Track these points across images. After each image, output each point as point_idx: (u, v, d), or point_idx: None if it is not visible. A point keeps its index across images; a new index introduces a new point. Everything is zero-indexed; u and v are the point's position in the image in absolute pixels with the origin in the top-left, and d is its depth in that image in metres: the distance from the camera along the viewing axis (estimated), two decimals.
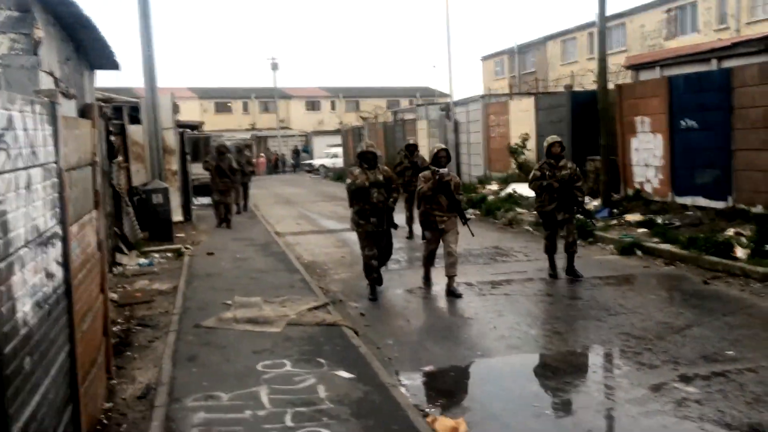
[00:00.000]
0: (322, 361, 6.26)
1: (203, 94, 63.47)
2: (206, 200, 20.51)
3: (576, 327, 7.58)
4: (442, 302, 8.91)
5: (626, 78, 19.46)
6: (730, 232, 11.03)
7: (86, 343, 4.82)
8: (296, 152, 57.64)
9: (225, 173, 16.63)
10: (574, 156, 17.66)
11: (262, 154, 53.59)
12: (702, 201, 13.20)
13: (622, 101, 15.49)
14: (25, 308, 3.36)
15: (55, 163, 4.17)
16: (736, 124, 12.28)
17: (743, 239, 10.48)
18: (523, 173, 21.28)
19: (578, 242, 10.23)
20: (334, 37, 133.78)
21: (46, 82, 6.76)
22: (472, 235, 9.79)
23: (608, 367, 6.54)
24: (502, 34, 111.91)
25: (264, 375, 5.94)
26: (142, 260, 11.94)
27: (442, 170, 8.91)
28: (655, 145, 14.51)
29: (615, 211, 14.40)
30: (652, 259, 10.97)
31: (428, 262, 9.49)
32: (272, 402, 5.33)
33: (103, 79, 19.20)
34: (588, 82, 24.69)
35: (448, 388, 6.11)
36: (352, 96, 67.67)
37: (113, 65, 11.23)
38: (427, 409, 5.42)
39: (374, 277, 9.17)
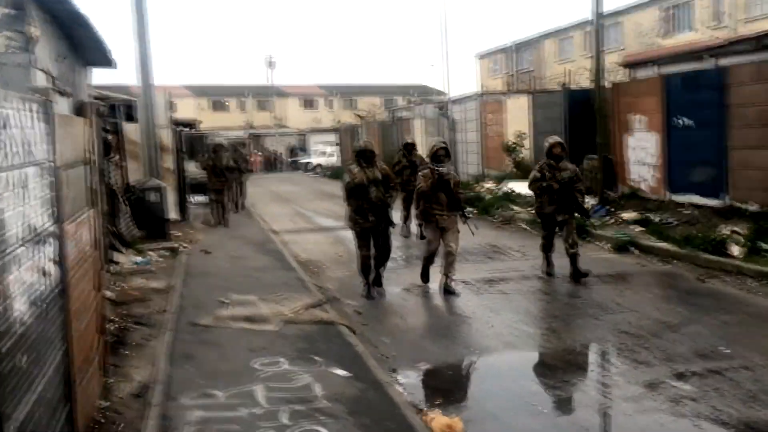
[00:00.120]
0: (318, 359, 6.26)
1: (199, 91, 63.32)
2: (202, 198, 20.46)
3: (572, 325, 7.60)
4: (438, 300, 8.92)
5: (622, 76, 19.49)
6: (726, 230, 11.05)
7: (82, 341, 4.80)
8: (292, 150, 57.63)
9: (220, 172, 16.55)
10: (570, 154, 17.69)
11: (259, 152, 53.60)
12: (697, 199, 13.23)
13: (618, 99, 15.52)
14: (20, 307, 3.35)
15: (51, 161, 4.15)
16: (732, 122, 12.31)
17: (739, 237, 10.50)
18: (519, 171, 21.31)
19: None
20: (331, 34, 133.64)
21: (41, 80, 6.74)
22: (473, 233, 9.42)
23: (604, 365, 6.55)
24: (499, 32, 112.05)
25: (260, 373, 5.94)
26: (138, 258, 11.91)
27: (441, 168, 8.82)
28: (651, 143, 14.54)
29: (611, 209, 14.42)
30: (648, 257, 11.00)
31: (428, 261, 9.37)
32: (268, 400, 5.33)
33: (99, 76, 19.14)
34: (584, 80, 24.71)
35: (444, 386, 6.11)
36: (349, 94, 67.61)
37: (108, 63, 11.20)
38: (423, 407, 5.42)
39: (375, 277, 9.10)
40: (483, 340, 7.16)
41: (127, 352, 6.85)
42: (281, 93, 64.34)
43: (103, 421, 5.19)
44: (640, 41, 34.28)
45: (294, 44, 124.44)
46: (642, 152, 14.87)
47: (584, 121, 16.60)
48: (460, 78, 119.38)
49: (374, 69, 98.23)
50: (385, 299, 9.00)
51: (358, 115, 47.42)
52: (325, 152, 50.33)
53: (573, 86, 24.61)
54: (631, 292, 8.91)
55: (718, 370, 5.92)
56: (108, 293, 8.81)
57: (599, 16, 15.31)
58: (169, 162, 16.71)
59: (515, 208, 16.67)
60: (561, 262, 9.96)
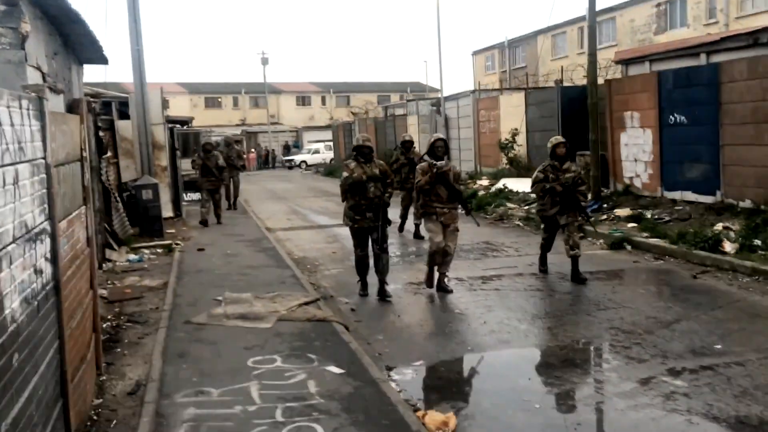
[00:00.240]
0: (313, 356, 6.26)
1: (193, 89, 63.21)
2: (196, 196, 20.40)
3: (566, 322, 7.62)
4: (432, 297, 8.92)
5: (616, 73, 19.52)
6: (719, 226, 11.10)
7: (75, 339, 4.80)
8: (287, 147, 57.59)
9: (212, 171, 16.31)
10: None
11: (253, 150, 53.55)
12: (691, 196, 13.28)
13: (612, 96, 15.55)
14: (13, 305, 3.34)
15: (43, 158, 4.14)
16: (725, 119, 12.35)
17: (732, 234, 10.55)
18: (513, 168, 21.35)
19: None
20: (325, 31, 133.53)
21: (33, 77, 6.71)
22: (478, 224, 9.72)
23: (598, 362, 6.57)
24: (493, 29, 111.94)
25: (254, 371, 5.94)
26: (132, 256, 11.89)
27: (439, 162, 8.65)
28: (645, 140, 14.58)
29: (605, 206, 14.47)
30: (642, 253, 11.03)
31: (433, 260, 8.87)
32: (262, 397, 5.33)
33: (92, 73, 19.08)
34: (578, 77, 24.75)
35: (438, 382, 6.12)
36: (343, 91, 67.58)
37: (102, 60, 11.15)
38: (417, 404, 5.43)
39: (379, 289, 8.75)
40: (477, 337, 7.17)
41: (121, 350, 6.85)
42: (275, 90, 64.25)
43: (96, 418, 5.18)
44: (633, 37, 34.36)
45: (288, 41, 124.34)
46: (635, 149, 14.91)
47: (578, 118, 16.65)
48: (455, 75, 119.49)
49: (369, 66, 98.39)
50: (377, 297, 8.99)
51: (353, 112, 47.41)
52: (317, 150, 50.46)
53: (567, 83, 24.69)
54: (624, 289, 8.94)
55: (711, 366, 5.95)
56: (102, 291, 8.80)
57: (593, 14, 15.33)
58: (163, 159, 16.65)
59: (509, 205, 16.70)
60: (558, 259, 9.98)
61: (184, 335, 7.13)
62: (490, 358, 6.61)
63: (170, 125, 18.65)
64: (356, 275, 9.16)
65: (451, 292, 8.87)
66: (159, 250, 12.64)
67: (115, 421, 5.15)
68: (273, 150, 56.26)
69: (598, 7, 16.11)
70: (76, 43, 9.63)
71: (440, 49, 35.05)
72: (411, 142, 13.80)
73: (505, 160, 22.09)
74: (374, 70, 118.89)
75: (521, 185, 18.63)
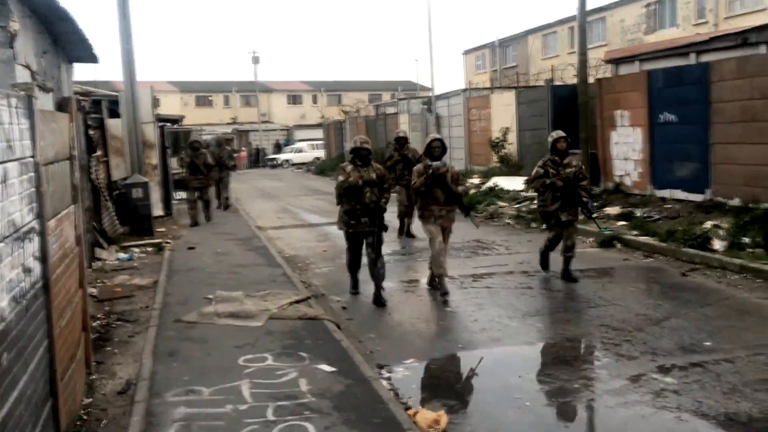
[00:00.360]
0: (304, 354, 6.26)
1: (183, 87, 62.96)
2: (186, 195, 20.29)
3: (556, 319, 7.64)
4: (423, 295, 8.93)
5: (606, 72, 19.60)
6: (708, 224, 11.16)
7: (65, 338, 4.78)
8: (278, 146, 57.49)
9: (200, 169, 16.09)
10: None
11: (244, 148, 53.46)
12: (680, 194, 13.34)
13: (602, 95, 15.60)
14: (2, 303, 3.32)
15: (32, 157, 4.12)
16: (714, 117, 12.42)
17: (721, 232, 10.60)
18: (504, 167, 21.40)
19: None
20: (316, 30, 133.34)
21: (22, 76, 6.67)
22: (477, 226, 9.57)
23: (588, 359, 6.59)
24: (484, 28, 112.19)
25: (245, 369, 5.93)
26: (122, 255, 11.85)
27: (435, 163, 8.29)
28: (635, 138, 14.64)
29: (595, 204, 14.51)
30: (632, 251, 11.08)
31: (437, 263, 8.51)
32: (254, 396, 5.33)
33: (82, 72, 19.01)
34: (568, 76, 24.82)
35: (429, 380, 6.13)
36: (334, 90, 67.48)
37: (91, 58, 11.09)
38: (409, 402, 5.44)
39: (375, 296, 8.50)
40: (468, 334, 7.19)
41: (110, 349, 6.82)
42: (266, 89, 64.10)
43: (86, 418, 5.17)
44: (623, 37, 34.49)
45: (279, 40, 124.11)
46: (626, 147, 14.97)
47: (569, 116, 16.69)
48: (446, 74, 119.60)
49: (360, 65, 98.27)
50: (371, 294, 8.95)
51: (344, 111, 47.38)
52: (300, 149, 50.49)
53: (558, 82, 24.76)
54: (614, 287, 8.98)
55: (700, 363, 5.98)
56: (91, 290, 8.77)
57: (584, 13, 15.39)
58: (153, 158, 16.58)
59: (500, 203, 16.74)
60: (550, 257, 10.00)
61: (175, 334, 7.11)
62: (481, 355, 6.61)
63: (161, 124, 18.57)
64: (347, 274, 9.12)
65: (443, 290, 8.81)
66: (149, 249, 12.60)
67: (105, 421, 5.13)
68: (264, 149, 56.13)
69: (589, 6, 16.18)
70: (65, 41, 9.58)
71: (431, 48, 35.17)
72: (405, 138, 13.53)
73: (495, 159, 22.14)
74: (365, 69, 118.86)
75: (512, 183, 18.69)
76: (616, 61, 17.49)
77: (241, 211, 19.21)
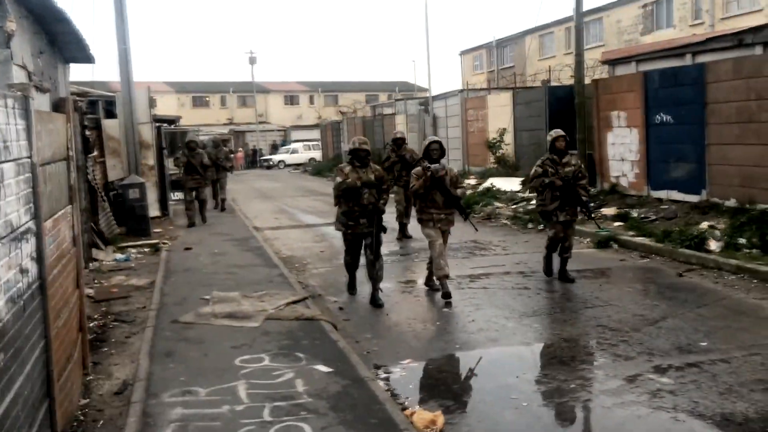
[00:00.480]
0: (301, 355, 6.26)
1: (180, 88, 62.91)
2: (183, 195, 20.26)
3: (553, 320, 7.65)
4: (420, 296, 8.94)
5: (603, 73, 19.65)
6: (704, 225, 11.19)
7: (62, 339, 4.77)
8: (275, 147, 57.51)
9: (196, 169, 15.98)
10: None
11: (241, 149, 53.45)
12: (677, 195, 13.37)
13: (599, 96, 15.63)
14: None
15: (29, 158, 4.12)
16: (710, 118, 12.45)
17: (717, 232, 10.63)
18: (501, 167, 21.43)
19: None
20: (313, 31, 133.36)
21: (19, 76, 6.67)
22: (476, 230, 9.50)
23: (584, 359, 6.59)
24: (481, 29, 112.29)
25: (242, 370, 5.93)
26: (119, 255, 11.84)
27: (433, 165, 8.22)
28: (631, 139, 14.67)
29: (592, 204, 14.53)
30: (628, 252, 11.10)
31: (439, 265, 8.45)
32: (250, 397, 5.33)
33: (78, 72, 18.97)
34: (565, 77, 24.86)
35: (426, 381, 6.13)
36: (331, 90, 67.50)
37: (88, 59, 11.10)
38: (405, 402, 5.44)
39: (372, 297, 8.47)
40: (465, 335, 7.19)
41: (107, 350, 6.82)
42: (263, 89, 64.08)
43: (83, 418, 5.16)
44: (620, 38, 34.55)
45: (276, 40, 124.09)
46: (622, 148, 15.00)
47: (565, 117, 16.72)
48: (443, 74, 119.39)
49: (357, 65, 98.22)
50: (367, 295, 8.95)
51: (341, 112, 47.41)
52: (295, 150, 50.50)
53: (554, 82, 24.81)
54: (611, 287, 8.99)
55: (697, 364, 5.99)
56: (88, 290, 8.75)
57: (580, 14, 15.42)
58: (149, 158, 16.57)
59: (497, 204, 16.75)
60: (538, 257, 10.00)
61: (172, 334, 7.11)
62: (478, 356, 6.62)
63: (157, 124, 18.55)
64: (344, 274, 9.12)
65: (439, 290, 8.82)
66: (146, 250, 12.59)
67: (101, 421, 5.12)
68: (261, 149, 56.11)
69: (585, 7, 16.22)
70: (62, 41, 9.58)
71: (428, 49, 35.20)
72: (402, 139, 13.33)
73: (492, 159, 22.17)
74: (362, 70, 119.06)
75: (509, 184, 18.71)
76: (613, 62, 17.53)
77: (237, 212, 19.21)
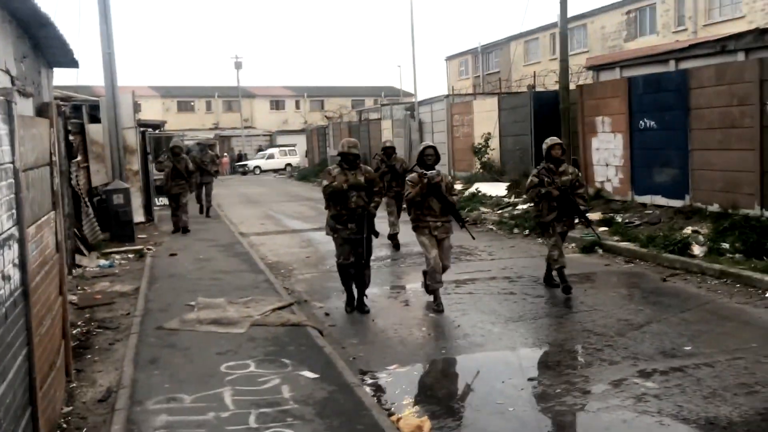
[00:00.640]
0: (287, 361, 6.24)
1: (165, 92, 62.68)
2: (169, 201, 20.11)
3: (538, 324, 7.68)
4: (407, 301, 8.94)
5: (587, 78, 19.78)
6: (688, 230, 11.27)
7: (45, 346, 4.73)
8: (261, 151, 57.35)
9: (181, 174, 15.81)
10: (535, 156, 17.89)
11: (226, 154, 53.28)
12: (661, 200, 13.47)
13: (583, 101, 15.72)
14: None
15: (11, 163, 4.08)
16: (693, 124, 12.55)
17: (700, 237, 10.72)
18: (486, 173, 21.49)
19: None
20: (299, 36, 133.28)
21: (1, 81, 6.61)
22: (473, 238, 9.10)
23: (570, 364, 6.61)
24: (467, 35, 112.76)
25: (228, 376, 5.90)
26: (103, 262, 11.75)
27: (430, 172, 8.04)
28: (616, 144, 14.76)
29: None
30: (613, 257, 11.17)
31: (434, 279, 8.29)
32: (236, 403, 5.30)
33: (62, 77, 18.85)
34: (550, 83, 25.00)
35: (412, 386, 6.12)
36: (317, 95, 67.48)
37: (72, 63, 11.00)
38: (392, 408, 5.43)
39: (358, 303, 8.41)
40: (451, 340, 7.20)
41: (91, 357, 6.76)
42: (249, 94, 63.98)
43: (66, 426, 5.11)
44: (604, 44, 34.81)
45: (262, 45, 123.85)
46: (607, 153, 15.09)
47: (550, 122, 16.82)
48: (429, 80, 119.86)
49: (343, 71, 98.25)
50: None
51: (327, 116, 47.39)
52: (272, 155, 50.40)
53: (539, 88, 24.93)
54: (596, 292, 9.04)
55: (681, 368, 6.03)
56: (71, 297, 8.68)
57: (565, 20, 15.52)
58: (134, 164, 16.46)
59: (483, 209, 16.80)
60: (531, 263, 10.05)
61: (156, 341, 7.06)
62: (464, 361, 6.63)
63: (142, 129, 18.45)
64: (330, 280, 9.05)
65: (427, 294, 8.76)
66: (130, 255, 12.51)
67: (85, 429, 5.08)
68: (246, 154, 55.93)
69: (570, 13, 16.31)
70: (46, 46, 9.50)
71: (414, 54, 35.27)
72: (392, 149, 13.02)
73: (478, 165, 22.23)
74: (348, 75, 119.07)
75: (494, 189, 18.77)
76: (597, 68, 17.64)
77: (223, 217, 19.13)
